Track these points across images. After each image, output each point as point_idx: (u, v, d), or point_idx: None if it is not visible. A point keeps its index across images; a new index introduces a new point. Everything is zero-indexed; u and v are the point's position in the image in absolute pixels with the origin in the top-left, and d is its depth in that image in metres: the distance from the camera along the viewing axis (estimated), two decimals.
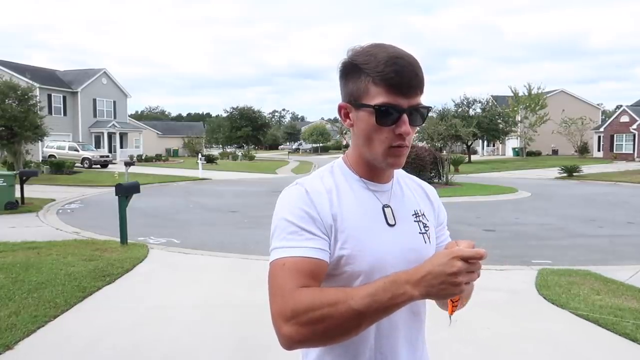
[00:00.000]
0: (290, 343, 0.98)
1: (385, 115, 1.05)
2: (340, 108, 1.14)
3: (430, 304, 1.26)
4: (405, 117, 1.05)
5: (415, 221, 1.18)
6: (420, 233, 1.18)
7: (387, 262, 1.09)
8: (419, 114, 1.08)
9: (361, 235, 1.09)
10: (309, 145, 76.51)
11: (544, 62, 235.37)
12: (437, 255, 0.96)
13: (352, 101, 1.09)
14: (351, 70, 1.09)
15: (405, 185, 1.24)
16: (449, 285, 0.92)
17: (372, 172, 1.16)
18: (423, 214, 1.21)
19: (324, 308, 0.95)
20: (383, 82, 1.04)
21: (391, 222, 1.14)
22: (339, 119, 1.15)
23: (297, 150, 76.71)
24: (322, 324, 0.95)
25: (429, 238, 1.19)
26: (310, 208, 1.07)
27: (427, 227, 1.20)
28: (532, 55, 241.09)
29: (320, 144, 75.11)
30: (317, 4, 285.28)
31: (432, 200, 1.29)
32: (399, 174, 1.24)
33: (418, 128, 1.17)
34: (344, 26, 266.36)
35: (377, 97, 1.04)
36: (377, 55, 1.05)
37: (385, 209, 1.15)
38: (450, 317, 1.08)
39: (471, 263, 0.92)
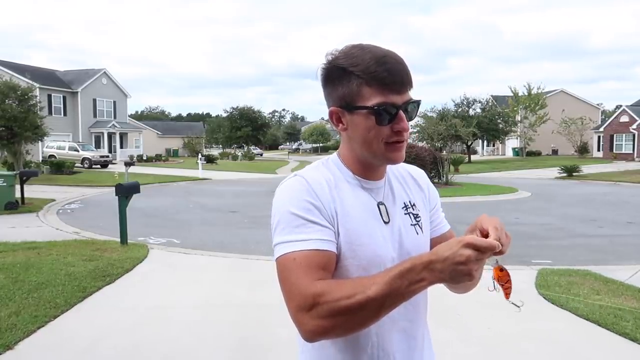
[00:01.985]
0: (312, 335, 0.99)
1: (383, 115, 1.06)
2: (332, 113, 1.13)
3: (430, 303, 1.26)
4: (402, 114, 1.07)
5: (405, 214, 1.19)
6: (411, 225, 1.19)
7: (384, 257, 1.11)
8: (412, 107, 1.09)
9: (360, 229, 1.10)
10: (309, 145, 76.52)
11: (543, 61, 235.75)
12: (449, 242, 0.95)
13: (345, 105, 1.09)
14: (339, 74, 1.08)
15: (394, 177, 1.24)
16: (458, 274, 0.92)
17: (366, 170, 1.16)
18: (413, 205, 1.22)
19: (342, 300, 0.95)
20: (376, 82, 1.04)
21: (386, 219, 1.15)
22: (331, 123, 1.15)
23: (297, 150, 76.74)
24: (341, 315, 0.95)
25: (421, 228, 1.20)
26: (314, 199, 1.07)
27: (419, 217, 1.22)
28: (532, 55, 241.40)
29: (320, 144, 75.12)
30: (317, 4, 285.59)
31: (422, 185, 1.29)
32: (389, 166, 1.23)
33: (412, 123, 1.18)
34: (344, 26, 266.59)
35: (372, 98, 1.05)
36: (362, 56, 1.06)
37: (380, 206, 1.16)
38: (511, 302, 1.03)
39: (482, 252, 0.91)
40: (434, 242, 1.22)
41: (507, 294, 1.02)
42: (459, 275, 0.92)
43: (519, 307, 1.03)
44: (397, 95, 1.05)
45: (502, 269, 1.00)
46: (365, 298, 0.94)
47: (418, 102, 1.10)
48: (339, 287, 0.98)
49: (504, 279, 1.00)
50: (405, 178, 1.26)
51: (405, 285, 0.94)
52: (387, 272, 0.97)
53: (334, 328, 0.97)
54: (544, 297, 5.18)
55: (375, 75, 1.04)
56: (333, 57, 1.09)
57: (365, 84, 1.05)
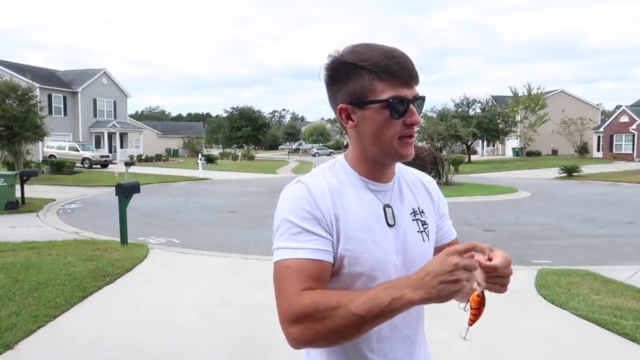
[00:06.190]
0: (295, 343, 0.99)
1: (397, 108, 1.06)
2: (341, 110, 1.11)
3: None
4: (412, 107, 1.07)
5: (413, 220, 1.18)
6: (418, 232, 1.17)
7: (388, 263, 1.10)
8: (419, 103, 1.10)
9: (363, 236, 1.09)
10: (309, 145, 76.48)
11: (543, 62, 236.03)
12: (434, 257, 0.96)
13: (355, 101, 1.08)
14: (347, 70, 1.07)
15: (404, 182, 1.23)
16: (448, 284, 0.91)
17: (375, 171, 1.15)
18: (422, 212, 1.21)
19: (326, 312, 0.95)
20: (388, 75, 1.04)
21: (391, 222, 1.13)
22: (340, 121, 1.14)
23: (297, 150, 76.75)
24: (324, 327, 0.96)
25: (427, 236, 1.19)
26: (313, 208, 1.07)
27: (426, 224, 1.20)
28: (532, 55, 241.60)
29: (320, 144, 75.10)
30: (315, 4, 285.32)
31: (432, 193, 1.28)
32: (400, 170, 1.23)
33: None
34: (342, 26, 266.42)
35: (386, 92, 1.05)
36: (371, 52, 1.06)
37: (386, 209, 1.14)
38: (467, 328, 1.04)
39: (467, 261, 0.92)
40: (441, 250, 1.22)
41: (472, 321, 1.03)
42: (449, 285, 0.90)
43: (465, 338, 1.04)
44: (407, 89, 1.06)
45: (479, 295, 1.00)
46: (346, 312, 0.94)
47: (424, 98, 1.11)
48: (324, 299, 0.97)
49: (475, 304, 1.00)
50: (415, 184, 1.25)
51: (387, 301, 0.93)
52: (372, 289, 0.97)
53: (316, 339, 0.98)
54: (544, 297, 5.18)
55: (387, 68, 1.04)
56: (337, 55, 1.09)
57: (377, 77, 1.05)
